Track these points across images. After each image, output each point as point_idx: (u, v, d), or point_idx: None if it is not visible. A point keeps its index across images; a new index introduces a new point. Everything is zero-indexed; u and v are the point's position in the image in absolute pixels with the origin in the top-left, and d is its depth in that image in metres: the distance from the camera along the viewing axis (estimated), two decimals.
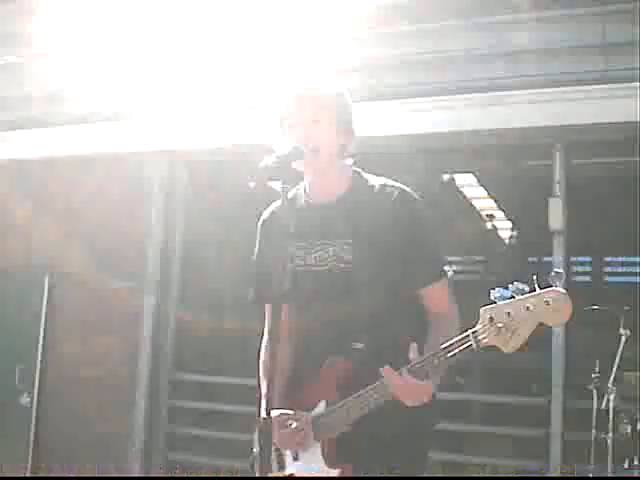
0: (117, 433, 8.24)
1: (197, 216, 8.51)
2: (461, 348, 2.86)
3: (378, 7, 7.62)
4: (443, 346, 2.90)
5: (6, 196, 9.29)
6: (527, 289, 2.74)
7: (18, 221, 9.14)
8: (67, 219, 8.86)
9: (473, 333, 2.84)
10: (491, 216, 8.67)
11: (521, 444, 7.13)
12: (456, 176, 8.20)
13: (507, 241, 8.78)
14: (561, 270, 2.69)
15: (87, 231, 8.70)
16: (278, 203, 3.47)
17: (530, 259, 8.47)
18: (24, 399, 8.59)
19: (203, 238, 8.50)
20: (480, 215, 8.63)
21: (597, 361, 6.01)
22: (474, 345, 2.84)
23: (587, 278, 8.42)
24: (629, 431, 5.86)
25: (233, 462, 7.66)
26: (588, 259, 8.18)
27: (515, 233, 8.52)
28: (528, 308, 2.71)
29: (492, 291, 2.79)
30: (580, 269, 8.69)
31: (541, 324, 2.74)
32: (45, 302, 8.73)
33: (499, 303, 2.78)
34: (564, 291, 2.69)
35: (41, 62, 9.29)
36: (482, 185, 8.26)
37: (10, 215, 9.23)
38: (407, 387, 2.93)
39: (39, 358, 8.66)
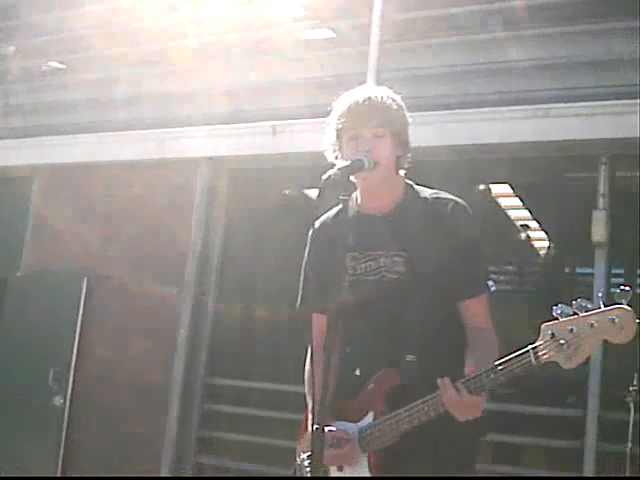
0: (149, 436, 8.26)
1: (237, 223, 8.54)
2: (520, 364, 2.85)
3: (426, 18, 7.64)
4: (500, 361, 2.89)
5: (48, 200, 9.36)
6: (590, 306, 2.72)
7: (59, 224, 9.19)
8: (108, 224, 8.93)
9: (533, 349, 2.83)
10: (526, 226, 8.61)
11: (555, 455, 7.10)
12: (493, 187, 8.18)
13: (542, 252, 8.72)
14: (628, 288, 2.67)
15: (127, 236, 8.77)
16: (329, 213, 3.49)
17: (566, 270, 8.42)
18: (57, 400, 8.62)
19: (242, 245, 8.52)
20: (515, 225, 8.59)
21: (635, 374, 6.00)
22: (533, 361, 2.82)
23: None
24: None
25: (263, 467, 7.70)
26: (621, 271, 8.09)
27: (551, 244, 8.46)
28: (592, 325, 2.69)
29: (554, 307, 2.78)
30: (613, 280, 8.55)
31: (605, 341, 2.72)
32: (82, 305, 8.76)
33: (561, 319, 2.76)
34: (630, 309, 2.66)
35: (85, 68, 9.35)
36: (518, 196, 8.24)
37: (51, 218, 9.29)
38: (461, 401, 2.93)
39: (74, 360, 8.69)
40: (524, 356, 2.85)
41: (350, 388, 3.35)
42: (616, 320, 2.65)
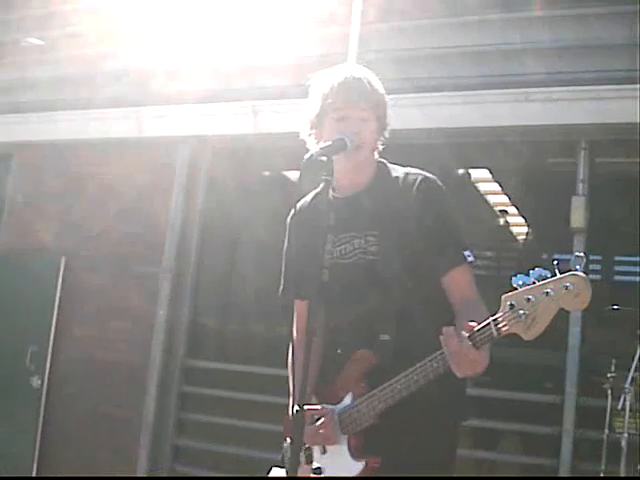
0: (127, 418, 8.26)
1: (217, 202, 8.51)
2: (482, 337, 2.80)
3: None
4: (467, 335, 2.82)
5: (27, 178, 9.32)
6: (549, 275, 2.68)
7: (37, 203, 9.16)
8: (87, 202, 8.90)
9: (494, 321, 2.79)
10: (504, 212, 8.61)
11: (533, 441, 7.12)
12: (472, 171, 8.18)
13: (521, 237, 8.73)
14: (582, 254, 2.64)
15: (107, 215, 8.74)
16: (307, 197, 3.51)
17: (544, 256, 8.43)
18: (35, 381, 8.60)
19: (221, 225, 8.50)
20: (493, 210, 8.59)
21: (613, 360, 6.00)
22: (494, 333, 2.78)
23: (597, 276, 8.33)
24: None
25: (240, 450, 7.70)
26: (598, 257, 8.13)
27: (530, 230, 8.46)
28: (547, 293, 2.65)
29: (514, 278, 2.75)
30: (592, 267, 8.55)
31: (562, 310, 2.68)
32: (60, 285, 8.74)
33: (520, 289, 2.73)
34: (584, 275, 2.62)
35: (67, 45, 9.30)
36: (497, 181, 8.24)
37: (30, 197, 9.25)
38: (463, 353, 2.83)
39: (51, 341, 8.68)
40: (485, 329, 2.80)
41: (329, 370, 3.37)
42: (570, 287, 2.61)
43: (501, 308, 2.78)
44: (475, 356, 2.82)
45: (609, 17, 6.87)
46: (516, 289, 2.74)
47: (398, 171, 3.36)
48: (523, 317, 2.71)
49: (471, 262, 3.22)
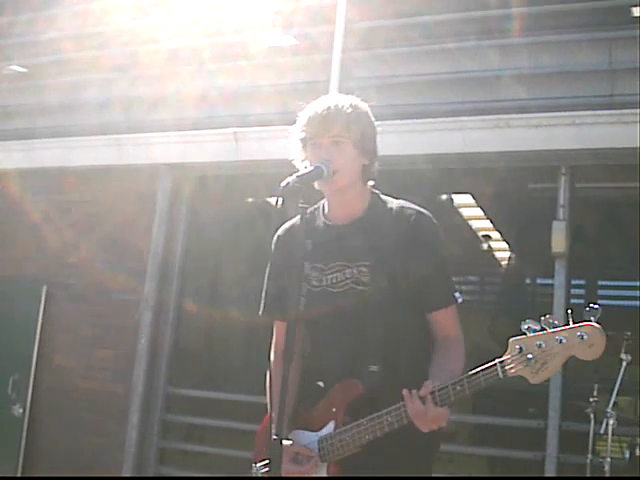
0: (109, 446, 8.18)
1: (199, 230, 8.49)
2: (487, 377, 2.87)
3: (390, 27, 7.66)
4: (469, 374, 2.90)
5: (7, 205, 9.26)
6: (557, 323, 2.74)
7: (17, 231, 9.10)
8: (68, 230, 8.83)
9: (500, 363, 2.84)
10: (488, 237, 8.67)
11: (516, 466, 7.14)
12: (455, 197, 8.22)
13: (504, 262, 8.78)
14: (597, 306, 2.68)
15: (88, 243, 8.66)
16: (294, 220, 3.46)
17: (527, 281, 8.48)
18: (16, 409, 8.53)
19: (204, 252, 8.48)
20: (477, 235, 8.64)
21: (595, 385, 6.03)
22: (500, 375, 2.84)
23: (580, 301, 8.40)
24: (628, 456, 5.90)
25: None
26: (582, 282, 8.17)
27: (512, 255, 8.52)
28: (561, 341, 2.71)
29: (522, 322, 2.79)
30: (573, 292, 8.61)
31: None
32: (41, 313, 8.67)
33: (530, 335, 2.78)
34: (599, 327, 2.69)
35: (50, 72, 9.28)
36: (479, 206, 8.27)
37: (9, 224, 9.19)
38: (427, 413, 2.93)
39: (33, 369, 8.59)
40: (491, 369, 2.87)
41: (312, 397, 3.34)
42: (585, 337, 2.68)
43: (508, 350, 2.84)
44: (440, 412, 2.95)
45: (588, 43, 6.95)
46: (524, 333, 2.78)
47: (392, 203, 3.36)
48: (532, 362, 2.75)
49: (459, 303, 3.28)
